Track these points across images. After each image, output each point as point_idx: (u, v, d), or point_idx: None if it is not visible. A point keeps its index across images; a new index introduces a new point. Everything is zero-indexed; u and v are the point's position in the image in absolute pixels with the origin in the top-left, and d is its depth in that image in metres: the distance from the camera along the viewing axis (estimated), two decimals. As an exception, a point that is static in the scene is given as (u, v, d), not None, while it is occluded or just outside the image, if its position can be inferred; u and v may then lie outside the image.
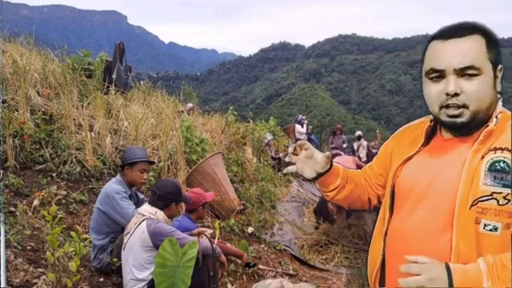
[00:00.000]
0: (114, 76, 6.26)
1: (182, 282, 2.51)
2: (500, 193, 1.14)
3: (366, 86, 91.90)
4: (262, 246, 5.02)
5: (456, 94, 1.19)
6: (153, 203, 2.87)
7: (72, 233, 2.62)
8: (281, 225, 5.94)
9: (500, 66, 1.23)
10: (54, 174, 4.29)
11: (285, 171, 1.52)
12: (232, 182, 5.86)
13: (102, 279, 3.14)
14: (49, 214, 2.47)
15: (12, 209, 3.58)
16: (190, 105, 8.77)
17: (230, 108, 8.72)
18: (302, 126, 12.20)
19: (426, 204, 1.25)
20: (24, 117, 4.59)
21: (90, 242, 3.17)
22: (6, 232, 2.85)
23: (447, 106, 1.21)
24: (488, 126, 1.22)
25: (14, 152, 4.19)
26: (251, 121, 9.83)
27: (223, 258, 3.14)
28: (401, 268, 1.14)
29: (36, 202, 3.74)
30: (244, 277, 4.07)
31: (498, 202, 1.14)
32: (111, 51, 6.74)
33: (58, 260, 2.72)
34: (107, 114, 5.45)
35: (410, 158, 1.36)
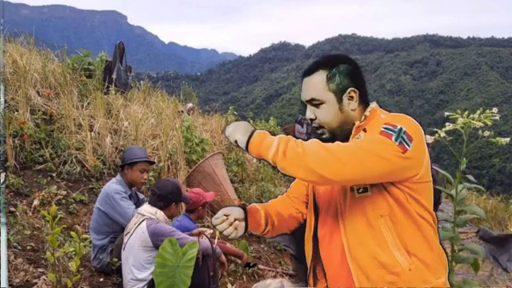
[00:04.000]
0: (114, 76, 6.27)
1: (181, 282, 2.51)
2: None
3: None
4: (262, 245, 5.02)
5: (312, 119, 1.51)
6: (153, 203, 2.87)
7: (72, 233, 2.62)
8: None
9: (349, 89, 1.46)
10: (54, 174, 4.29)
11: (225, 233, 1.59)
12: (232, 181, 5.85)
13: (102, 279, 3.15)
14: (49, 213, 2.47)
15: (12, 209, 3.58)
16: (189, 105, 8.76)
17: (230, 108, 8.71)
18: (302, 126, 12.15)
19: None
20: (24, 117, 4.59)
21: (90, 242, 3.17)
22: (6, 232, 2.85)
23: (315, 128, 1.53)
24: (355, 124, 1.48)
25: (14, 152, 4.20)
26: (251, 121, 9.82)
27: (223, 257, 3.14)
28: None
29: (36, 202, 3.75)
30: (244, 277, 4.07)
31: None
32: (111, 51, 6.75)
33: (58, 260, 2.72)
34: (107, 114, 5.46)
35: None
